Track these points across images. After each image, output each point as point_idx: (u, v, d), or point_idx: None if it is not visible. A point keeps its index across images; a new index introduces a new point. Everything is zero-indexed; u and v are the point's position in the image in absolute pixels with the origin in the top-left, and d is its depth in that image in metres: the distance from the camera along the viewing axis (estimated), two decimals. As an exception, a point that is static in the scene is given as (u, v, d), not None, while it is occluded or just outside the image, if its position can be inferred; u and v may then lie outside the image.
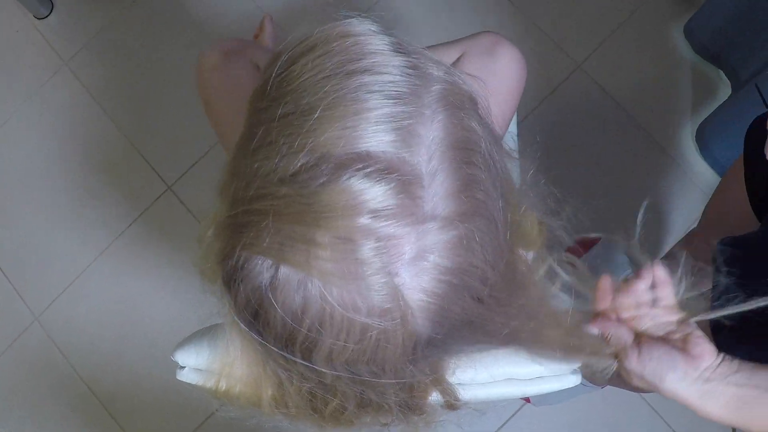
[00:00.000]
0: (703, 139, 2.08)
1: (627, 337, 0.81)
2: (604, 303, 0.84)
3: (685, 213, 2.10)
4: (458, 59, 1.09)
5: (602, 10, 2.23)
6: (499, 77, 1.06)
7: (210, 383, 0.89)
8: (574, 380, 0.91)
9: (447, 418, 0.85)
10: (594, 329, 0.82)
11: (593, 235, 2.04)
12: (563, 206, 0.79)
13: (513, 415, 1.99)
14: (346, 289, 0.52)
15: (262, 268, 0.55)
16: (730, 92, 2.12)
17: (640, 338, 0.81)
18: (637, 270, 0.83)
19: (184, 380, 0.95)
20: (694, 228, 1.66)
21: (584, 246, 2.07)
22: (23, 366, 2.20)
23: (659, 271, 0.82)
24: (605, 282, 0.84)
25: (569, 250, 2.09)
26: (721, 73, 2.17)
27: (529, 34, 2.23)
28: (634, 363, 0.79)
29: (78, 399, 2.15)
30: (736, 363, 0.78)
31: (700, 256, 1.08)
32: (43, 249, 2.26)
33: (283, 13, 2.25)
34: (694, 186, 2.11)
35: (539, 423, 2.01)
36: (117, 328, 2.18)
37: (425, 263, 0.54)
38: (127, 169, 2.27)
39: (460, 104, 0.60)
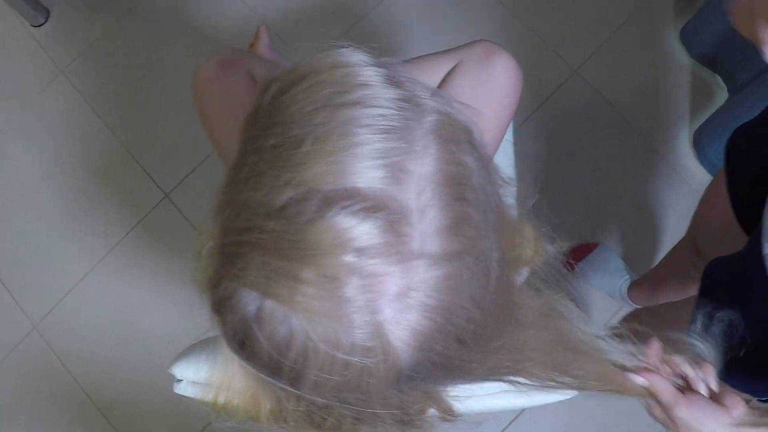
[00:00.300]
0: (700, 143, 2.08)
1: (670, 390, 0.86)
2: (651, 363, 0.87)
3: (682, 217, 2.10)
4: (453, 69, 1.08)
5: (599, 15, 2.24)
6: (494, 87, 1.05)
7: (208, 397, 0.89)
8: (570, 392, 0.91)
9: (445, 429, 0.85)
10: (640, 379, 0.85)
11: (590, 242, 2.05)
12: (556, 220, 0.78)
13: (513, 420, 1.99)
14: (330, 326, 0.52)
15: (248, 300, 0.55)
16: (726, 97, 2.12)
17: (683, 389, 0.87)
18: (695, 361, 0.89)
19: (182, 393, 0.95)
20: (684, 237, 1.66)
21: (582, 252, 2.08)
22: (22, 374, 2.19)
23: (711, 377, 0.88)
24: (655, 347, 0.87)
25: (566, 256, 2.10)
26: (718, 77, 2.17)
27: (525, 39, 2.23)
28: (684, 412, 0.85)
29: (77, 407, 2.15)
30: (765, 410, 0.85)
31: (688, 272, 1.09)
32: (41, 257, 2.25)
33: (279, 21, 2.26)
34: (692, 190, 2.11)
35: (538, 428, 2.01)
36: (115, 335, 2.18)
37: (409, 301, 0.53)
38: (124, 177, 2.26)
39: (454, 137, 0.59)
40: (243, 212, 0.56)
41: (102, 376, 2.16)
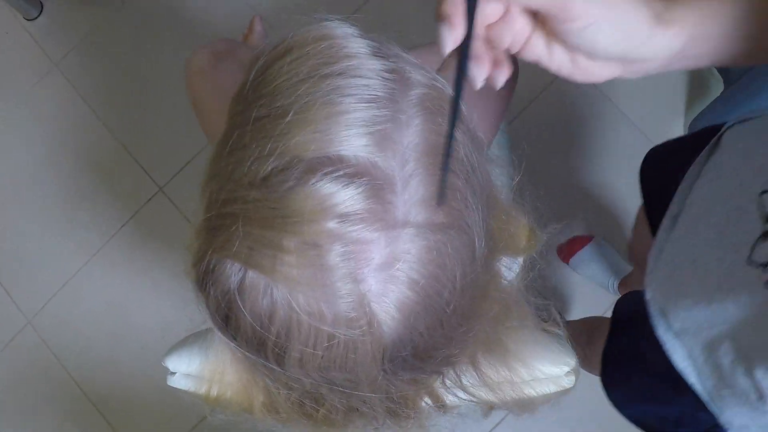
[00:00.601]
0: (695, 135, 2.08)
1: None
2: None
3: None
4: (447, 58, 1.08)
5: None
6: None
7: (201, 389, 0.88)
8: (569, 381, 0.91)
9: (439, 421, 0.85)
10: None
11: (586, 234, 2.05)
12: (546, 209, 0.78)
13: (505, 416, 1.99)
14: (312, 296, 0.52)
15: (230, 272, 0.54)
16: (722, 88, 2.12)
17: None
18: None
19: (175, 386, 0.94)
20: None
21: (577, 244, 2.08)
22: (16, 369, 2.19)
23: None
24: None
25: (560, 248, 2.11)
26: (714, 68, 2.16)
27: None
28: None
29: (71, 401, 2.15)
30: None
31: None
32: (35, 251, 2.25)
33: (272, 13, 2.25)
34: (687, 182, 2.11)
35: (533, 422, 2.01)
36: (110, 330, 2.18)
37: (394, 271, 0.53)
38: (118, 171, 2.26)
39: (439, 110, 0.58)
40: (227, 185, 0.55)
41: (96, 371, 2.16)
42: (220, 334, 0.60)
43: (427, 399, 0.79)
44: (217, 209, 0.56)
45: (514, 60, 1.08)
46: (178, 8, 2.34)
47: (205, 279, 0.57)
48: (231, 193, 0.54)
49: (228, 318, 0.57)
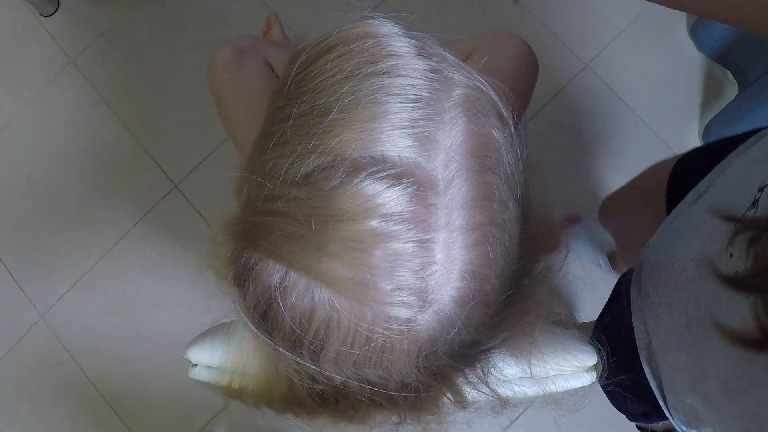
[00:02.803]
0: (709, 138, 2.08)
1: None
2: None
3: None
4: (468, 56, 1.08)
5: (610, 9, 2.23)
6: (510, 72, 1.05)
7: (223, 381, 0.88)
8: (590, 378, 0.91)
9: (457, 417, 0.85)
10: None
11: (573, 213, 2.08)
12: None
13: (523, 412, 1.99)
14: (353, 296, 0.52)
15: (272, 270, 0.54)
16: (737, 92, 2.12)
17: None
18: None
19: (196, 378, 0.94)
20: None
21: (570, 222, 2.11)
22: (29, 365, 2.19)
23: None
24: None
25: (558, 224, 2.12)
26: (728, 73, 2.16)
27: (536, 32, 2.23)
28: None
29: (84, 398, 2.15)
30: None
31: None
32: (49, 247, 2.26)
33: (288, 10, 2.25)
34: (701, 186, 2.11)
35: (548, 419, 2.00)
36: (123, 326, 2.18)
37: (434, 271, 0.53)
38: (133, 167, 2.26)
39: (482, 111, 0.58)
40: (267, 182, 0.55)
41: (109, 367, 2.16)
42: (253, 328, 0.60)
43: (447, 397, 0.79)
44: (257, 207, 0.56)
45: (532, 52, 1.08)
46: (194, 5, 2.34)
47: (243, 275, 0.57)
48: (272, 191, 0.54)
49: (266, 315, 0.57)
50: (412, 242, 0.51)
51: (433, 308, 0.54)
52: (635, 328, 1.00)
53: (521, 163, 0.63)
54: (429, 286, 0.53)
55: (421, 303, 0.53)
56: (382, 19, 0.60)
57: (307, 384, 0.68)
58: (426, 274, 0.52)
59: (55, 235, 2.25)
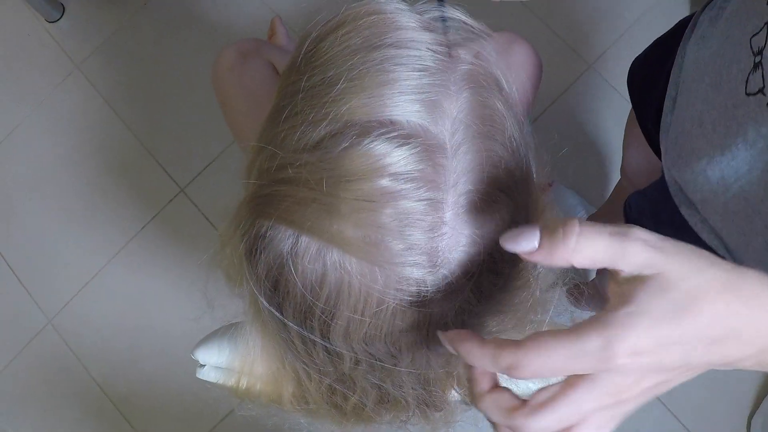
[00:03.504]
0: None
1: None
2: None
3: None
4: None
5: (614, 10, 2.23)
6: (514, 74, 1.06)
7: (231, 381, 0.89)
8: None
9: (464, 417, 0.85)
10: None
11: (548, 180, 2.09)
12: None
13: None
14: (364, 256, 0.53)
15: (283, 236, 0.55)
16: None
17: None
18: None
19: (204, 378, 0.95)
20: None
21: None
22: (37, 368, 2.20)
23: None
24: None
25: None
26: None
27: (540, 33, 2.23)
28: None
29: (92, 401, 2.15)
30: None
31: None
32: (56, 252, 2.26)
33: (293, 14, 2.26)
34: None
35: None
36: (130, 330, 2.18)
37: (443, 233, 0.54)
38: (139, 172, 2.27)
39: (486, 84, 0.60)
40: (279, 152, 0.56)
41: (116, 371, 2.17)
42: (263, 302, 0.61)
43: (455, 391, 0.79)
44: (269, 176, 0.57)
45: (536, 54, 1.09)
46: (199, 9, 2.35)
47: (255, 245, 0.58)
48: (284, 159, 0.55)
49: (277, 284, 0.58)
50: (422, 201, 0.52)
51: (442, 271, 0.54)
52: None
53: (525, 141, 0.64)
54: (439, 248, 0.53)
55: (431, 264, 0.54)
56: None
57: (315, 377, 0.69)
58: (436, 234, 0.53)
59: (62, 239, 2.26)
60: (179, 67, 2.33)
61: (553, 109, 2.18)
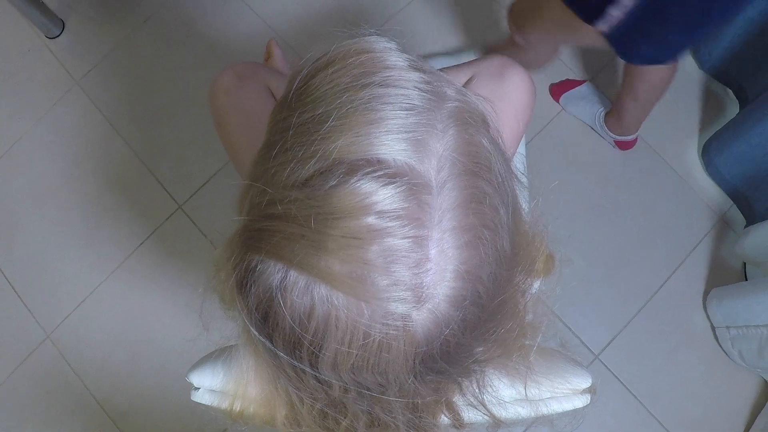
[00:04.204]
0: (708, 155, 2.09)
1: None
2: None
3: (691, 228, 2.11)
4: (468, 82, 1.10)
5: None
6: (508, 100, 1.06)
7: (224, 404, 0.90)
8: (583, 401, 0.92)
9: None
10: None
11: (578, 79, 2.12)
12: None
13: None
14: (351, 291, 0.53)
15: (273, 270, 0.56)
16: (737, 109, 2.13)
17: None
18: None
19: (199, 401, 0.96)
20: None
21: (568, 86, 2.15)
22: (35, 384, 2.20)
23: None
24: None
25: (552, 87, 2.20)
26: (729, 90, 2.17)
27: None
28: None
29: (90, 416, 2.15)
30: None
31: None
32: (55, 267, 2.27)
33: (290, 34, 2.27)
34: (700, 201, 2.12)
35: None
36: (129, 346, 2.19)
37: (429, 269, 0.54)
38: (138, 188, 2.28)
39: (473, 122, 0.61)
40: (269, 188, 0.57)
41: (115, 386, 2.17)
42: (254, 331, 0.61)
43: (445, 414, 0.80)
44: (260, 211, 0.58)
45: (530, 78, 1.10)
46: (198, 27, 2.36)
47: (245, 278, 0.59)
48: (274, 195, 0.56)
49: (267, 316, 0.58)
50: (407, 238, 0.53)
51: (428, 305, 0.55)
52: None
53: (511, 178, 0.65)
54: (424, 283, 0.54)
55: (416, 299, 0.54)
56: (378, 36, 0.63)
57: (307, 402, 0.70)
58: (420, 270, 0.54)
59: (61, 254, 2.27)
60: (178, 83, 2.34)
61: (550, 126, 2.19)
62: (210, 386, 0.94)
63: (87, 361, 2.19)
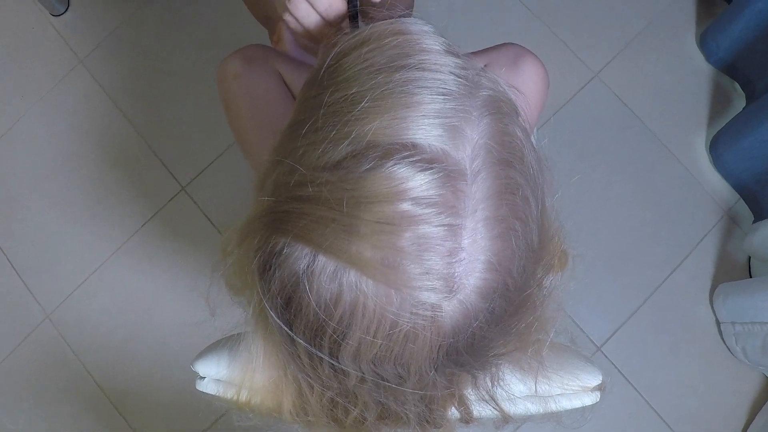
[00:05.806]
0: (716, 149, 2.08)
1: None
2: None
3: (697, 222, 2.10)
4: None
5: (620, 19, 2.23)
6: (522, 90, 1.05)
7: (230, 394, 0.89)
8: (592, 398, 0.91)
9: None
10: None
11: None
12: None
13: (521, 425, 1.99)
14: (382, 278, 0.53)
15: (300, 254, 0.55)
16: (744, 103, 2.12)
17: None
18: None
19: (204, 391, 0.95)
20: None
21: None
22: (34, 363, 2.20)
23: None
24: None
25: None
26: (737, 84, 2.16)
27: (546, 41, 2.23)
28: None
29: (88, 397, 2.15)
30: None
31: None
32: (56, 247, 2.26)
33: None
34: (707, 196, 2.11)
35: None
36: (129, 327, 2.18)
37: (461, 258, 0.54)
38: (141, 169, 2.27)
39: (507, 112, 0.60)
40: (297, 168, 0.56)
41: (114, 367, 2.17)
42: (274, 317, 0.61)
43: (455, 408, 0.80)
44: (287, 192, 0.57)
45: (544, 68, 1.09)
46: (204, 6, 2.35)
47: (269, 262, 0.58)
48: (303, 176, 0.55)
49: (290, 301, 0.58)
50: (442, 227, 0.52)
51: (458, 296, 0.55)
52: None
53: (541, 169, 0.65)
54: (456, 273, 0.54)
55: (447, 289, 0.54)
56: (414, 18, 0.62)
57: (317, 389, 0.69)
58: (453, 260, 0.53)
59: (62, 234, 2.26)
60: (183, 62, 2.33)
61: (557, 117, 2.18)
62: (216, 375, 0.93)
63: (86, 341, 2.19)
